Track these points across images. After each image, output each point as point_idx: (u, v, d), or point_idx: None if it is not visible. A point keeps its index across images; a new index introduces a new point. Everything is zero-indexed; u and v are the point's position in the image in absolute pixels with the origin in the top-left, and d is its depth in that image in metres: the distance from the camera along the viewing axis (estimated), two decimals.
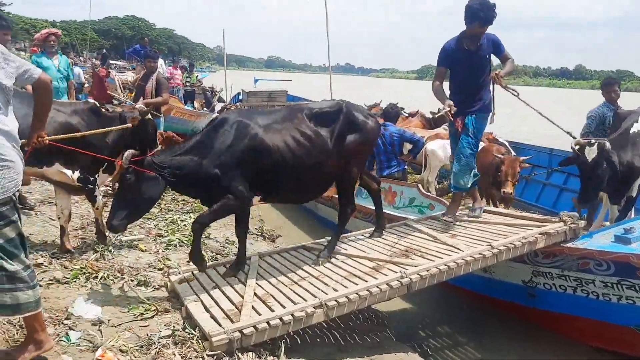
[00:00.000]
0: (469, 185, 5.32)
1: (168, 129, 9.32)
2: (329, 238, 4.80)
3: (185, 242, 5.57)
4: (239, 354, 3.29)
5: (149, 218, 6.29)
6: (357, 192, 7.12)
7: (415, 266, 4.20)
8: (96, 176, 4.78)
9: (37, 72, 2.94)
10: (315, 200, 8.01)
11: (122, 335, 3.42)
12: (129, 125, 4.40)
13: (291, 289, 3.96)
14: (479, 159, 6.94)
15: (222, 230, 6.34)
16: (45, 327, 3.07)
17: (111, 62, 27.38)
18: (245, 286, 4.03)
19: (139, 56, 18.41)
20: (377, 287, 3.91)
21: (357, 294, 3.81)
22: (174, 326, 3.57)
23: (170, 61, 23.81)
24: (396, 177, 6.87)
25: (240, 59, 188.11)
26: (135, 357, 3.19)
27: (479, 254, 4.42)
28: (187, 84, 17.38)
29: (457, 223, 5.34)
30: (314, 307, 3.63)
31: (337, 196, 4.78)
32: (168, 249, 5.31)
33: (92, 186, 4.75)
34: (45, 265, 4.47)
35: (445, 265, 4.24)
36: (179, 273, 4.36)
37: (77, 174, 4.61)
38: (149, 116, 5.09)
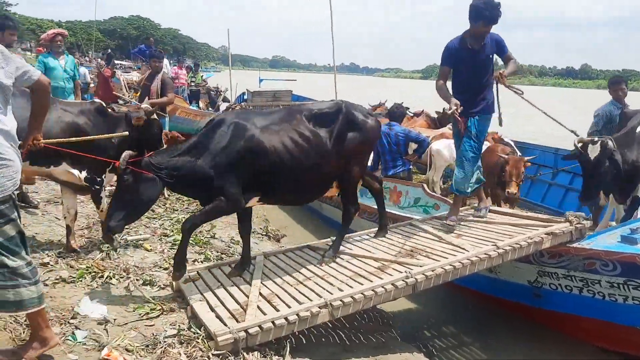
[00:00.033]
0: (469, 191, 5.32)
1: (173, 128, 9.34)
2: (334, 238, 4.80)
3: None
4: (245, 354, 3.29)
5: (154, 218, 6.32)
6: (361, 192, 7.13)
7: (421, 266, 4.20)
8: (103, 176, 4.80)
9: (36, 74, 2.96)
10: (320, 200, 8.03)
11: (128, 334, 3.42)
12: (126, 133, 4.35)
13: (296, 289, 3.97)
14: (484, 159, 6.93)
15: (227, 230, 6.35)
16: (49, 324, 3.08)
17: (116, 62, 27.49)
18: (251, 286, 4.03)
19: (144, 56, 18.45)
20: (382, 287, 3.91)
21: (362, 293, 3.81)
22: (179, 325, 3.57)
23: (175, 61, 23.91)
24: (401, 176, 6.87)
25: (245, 58, 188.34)
26: (141, 356, 3.20)
27: (485, 254, 4.42)
28: (192, 84, 17.40)
29: (462, 223, 5.33)
30: (319, 307, 3.64)
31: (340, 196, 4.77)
32: (173, 248, 5.29)
33: (98, 187, 4.76)
34: (52, 265, 4.48)
35: (450, 265, 4.24)
36: (185, 272, 4.36)
37: (84, 174, 4.63)
38: (155, 116, 5.11)
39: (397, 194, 6.69)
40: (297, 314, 3.54)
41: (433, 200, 6.23)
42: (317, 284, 4.05)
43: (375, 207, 6.74)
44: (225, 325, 3.40)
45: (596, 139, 5.15)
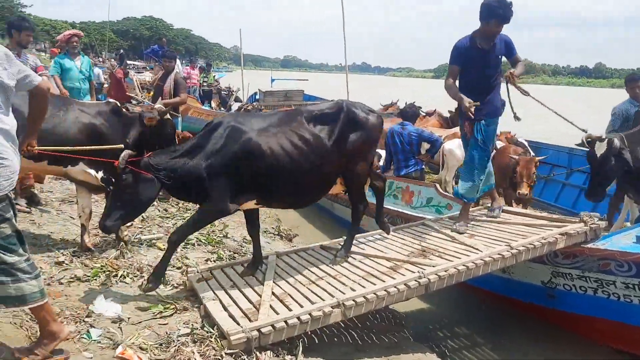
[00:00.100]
0: (475, 198, 5.30)
1: (185, 128, 9.40)
2: (345, 237, 4.79)
3: (203, 240, 5.61)
4: (257, 353, 3.30)
5: (167, 217, 6.36)
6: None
7: (433, 266, 4.18)
8: None
9: (37, 79, 2.99)
10: (331, 199, 8.03)
11: (142, 333, 3.44)
12: (121, 146, 4.35)
13: (309, 289, 3.97)
14: (496, 159, 6.90)
15: (239, 230, 6.37)
16: (56, 317, 3.09)
17: (129, 62, 27.68)
18: (263, 285, 4.04)
19: (157, 56, 18.57)
20: (395, 287, 3.90)
21: (374, 294, 3.81)
22: (192, 324, 3.59)
23: (188, 61, 24.00)
24: (414, 176, 6.85)
25: (257, 58, 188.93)
26: (155, 354, 3.21)
27: (498, 254, 4.39)
28: (205, 84, 17.48)
29: (475, 223, 5.31)
30: (331, 307, 3.63)
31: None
32: (186, 247, 5.34)
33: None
34: (66, 263, 4.53)
35: (463, 265, 4.22)
36: (197, 272, 4.39)
37: (100, 174, 4.67)
38: (168, 116, 5.15)
39: (409, 194, 6.67)
40: (310, 314, 3.54)
41: (445, 200, 6.21)
42: (329, 283, 4.05)
43: (387, 207, 6.75)
44: (238, 324, 3.41)
45: (604, 136, 5.11)
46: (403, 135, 6.78)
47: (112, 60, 26.82)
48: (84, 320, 3.54)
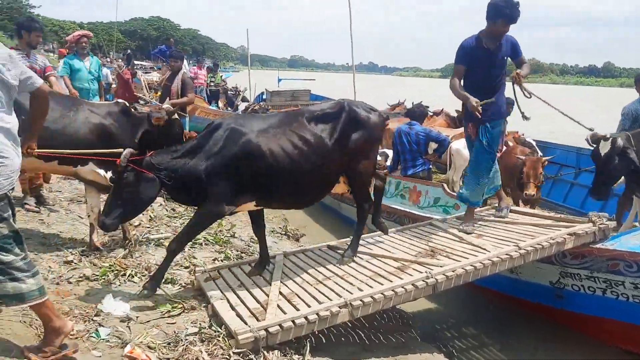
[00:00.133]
0: (481, 202, 5.28)
1: (193, 128, 9.42)
2: (352, 237, 4.78)
3: (211, 240, 5.63)
4: (265, 352, 3.31)
5: (174, 217, 6.38)
6: None
7: (441, 266, 4.18)
8: None
9: (38, 81, 3.01)
10: (338, 199, 8.03)
11: (150, 332, 3.46)
12: (120, 150, 4.30)
13: (316, 288, 3.97)
14: (503, 160, 6.88)
15: (247, 229, 6.38)
16: (58, 312, 3.10)
17: (136, 62, 27.79)
18: (271, 285, 4.05)
19: (164, 56, 18.65)
20: (402, 287, 3.90)
21: (382, 293, 3.81)
22: (200, 324, 3.60)
23: (195, 61, 24.07)
24: (421, 176, 6.84)
25: (264, 58, 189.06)
26: (163, 353, 3.23)
27: (506, 254, 4.38)
28: (212, 84, 17.53)
29: (483, 223, 5.29)
30: (339, 307, 3.64)
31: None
32: (194, 247, 5.36)
33: None
34: (75, 263, 4.56)
35: (471, 265, 4.21)
36: (205, 271, 4.41)
37: (109, 174, 4.70)
38: (176, 116, 5.17)
39: (416, 194, 6.66)
40: (317, 314, 3.54)
41: (453, 200, 6.19)
42: (336, 283, 4.05)
43: (394, 206, 6.76)
44: (246, 323, 3.42)
45: (608, 135, 5.08)
46: (410, 135, 6.77)
47: (120, 60, 26.93)
48: (92, 319, 3.55)
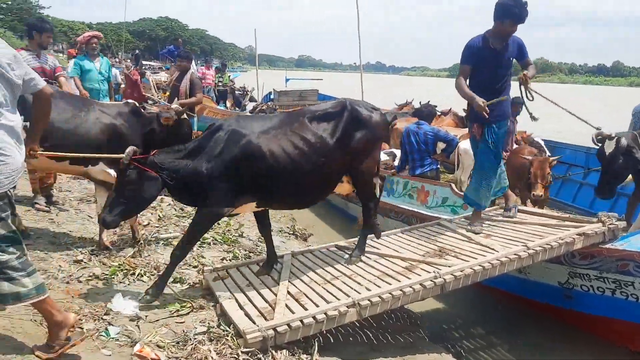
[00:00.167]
0: (487, 205, 5.26)
1: (201, 128, 9.43)
2: (359, 237, 4.78)
3: (219, 240, 5.65)
4: (273, 352, 3.32)
5: (183, 216, 6.40)
6: (388, 191, 7.12)
7: (449, 266, 4.17)
8: None
9: (41, 83, 3.02)
10: (345, 199, 8.03)
11: (159, 331, 3.48)
12: (121, 155, 4.26)
13: (324, 288, 3.98)
14: (510, 160, 6.85)
15: (254, 229, 6.36)
16: (59, 307, 3.10)
17: (144, 62, 27.91)
18: (279, 284, 4.06)
19: (172, 57, 18.72)
20: (411, 287, 3.90)
21: (390, 293, 3.81)
22: (209, 323, 3.62)
23: (203, 61, 24.15)
24: (429, 176, 6.83)
25: (271, 58, 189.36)
26: (172, 352, 3.25)
27: (515, 254, 4.37)
28: (220, 84, 17.58)
29: (492, 223, 5.28)
30: (347, 306, 3.64)
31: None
32: (202, 246, 5.38)
33: None
34: (85, 262, 4.58)
35: (479, 265, 4.20)
36: (213, 271, 4.42)
37: None
38: (185, 116, 5.20)
39: (424, 194, 6.65)
40: (325, 313, 3.55)
41: (461, 200, 6.16)
42: (344, 283, 4.06)
43: (403, 206, 6.75)
44: (254, 323, 3.43)
45: (613, 134, 5.05)
46: (419, 134, 6.76)
47: (128, 60, 27.06)
48: (102, 318, 3.58)
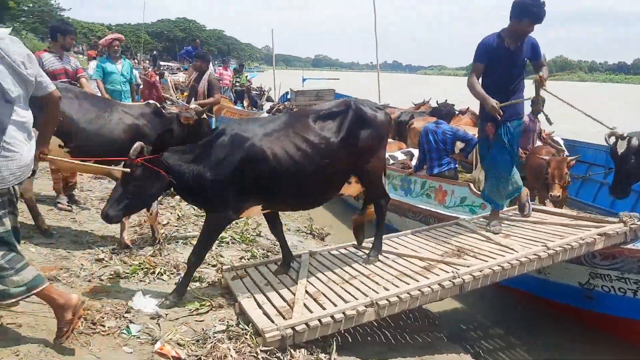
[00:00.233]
0: (504, 205, 5.22)
1: None
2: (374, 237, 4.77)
3: (237, 239, 5.69)
4: (292, 351, 3.34)
5: (202, 215, 6.44)
6: (406, 190, 7.11)
7: (468, 266, 4.16)
8: None
9: (51, 86, 3.06)
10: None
11: (179, 329, 3.51)
12: (127, 170, 4.24)
13: (342, 287, 3.99)
14: (528, 160, 6.79)
15: None
16: (60, 291, 3.13)
17: (162, 63, 28.18)
18: (297, 284, 4.08)
19: (190, 57, 18.86)
20: (429, 286, 3.89)
21: (408, 293, 3.81)
22: (228, 321, 3.65)
23: (220, 62, 24.29)
24: (447, 175, 6.80)
25: (288, 58, 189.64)
26: (192, 350, 3.28)
27: (534, 254, 4.34)
28: (237, 84, 17.66)
29: (511, 223, 5.24)
30: (365, 306, 3.65)
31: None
32: (221, 245, 5.42)
33: None
34: (106, 261, 4.65)
35: (498, 266, 4.18)
36: (232, 270, 4.46)
37: None
38: (204, 116, 5.26)
39: (442, 193, 6.63)
40: (344, 312, 3.56)
41: (480, 200, 6.13)
42: (363, 282, 4.06)
43: (421, 206, 6.73)
44: (273, 322, 3.46)
45: (625, 134, 5.00)
46: (437, 133, 6.74)
47: (146, 62, 27.32)
48: (123, 316, 3.62)
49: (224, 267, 4.57)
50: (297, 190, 4.05)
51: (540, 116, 6.43)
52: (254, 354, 3.26)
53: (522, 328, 5.36)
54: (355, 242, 5.00)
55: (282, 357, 3.28)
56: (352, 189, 4.47)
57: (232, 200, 3.86)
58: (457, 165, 7.13)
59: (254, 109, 16.37)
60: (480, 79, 4.97)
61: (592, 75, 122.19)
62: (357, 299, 3.74)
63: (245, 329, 3.51)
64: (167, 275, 4.49)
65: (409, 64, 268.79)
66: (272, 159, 3.83)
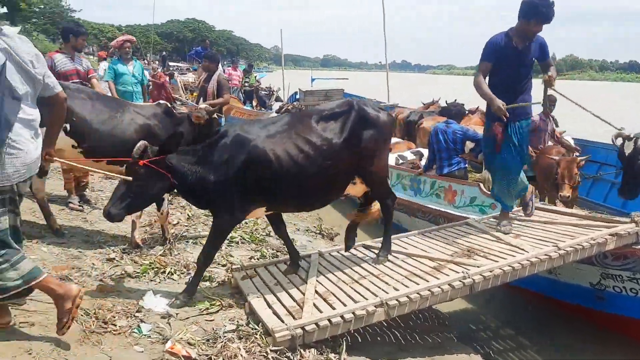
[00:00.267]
0: (514, 206, 5.19)
1: None
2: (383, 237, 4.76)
3: (247, 239, 5.70)
4: (301, 350, 3.34)
5: (212, 215, 6.47)
6: (415, 190, 7.09)
7: (478, 267, 4.15)
8: None
9: (58, 87, 3.09)
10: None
11: (190, 328, 3.53)
12: (129, 178, 4.05)
13: (352, 287, 3.99)
14: (538, 160, 6.75)
15: None
16: (58, 281, 3.14)
17: (172, 63, 28.28)
18: (307, 283, 4.08)
19: (200, 58, 18.94)
20: (439, 287, 3.88)
21: (418, 293, 3.80)
22: (238, 321, 3.66)
23: (229, 62, 24.35)
24: (457, 175, 6.77)
25: (297, 58, 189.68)
26: (203, 350, 3.29)
27: (545, 255, 4.32)
28: (246, 85, 17.70)
29: (521, 223, 5.22)
30: (375, 306, 3.65)
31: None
32: (230, 245, 5.44)
33: None
34: (117, 260, 4.68)
35: (509, 266, 4.16)
36: (242, 269, 4.47)
37: None
38: (215, 116, 5.28)
39: (452, 193, 6.60)
40: (353, 312, 3.56)
41: (489, 200, 6.10)
42: (372, 282, 4.06)
43: (430, 206, 6.72)
44: (283, 322, 3.46)
45: (632, 135, 4.96)
46: (447, 133, 6.72)
47: (156, 62, 27.44)
48: (134, 315, 3.64)
49: (234, 267, 4.58)
50: (299, 192, 4.04)
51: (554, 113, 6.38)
52: (264, 354, 3.27)
53: (533, 328, 5.33)
54: (365, 242, 5.00)
55: (292, 357, 3.29)
56: (357, 189, 4.46)
57: (237, 203, 3.87)
58: (466, 165, 7.09)
59: (263, 109, 16.39)
60: (488, 78, 4.94)
61: (603, 74, 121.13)
62: (366, 299, 3.74)
63: (255, 329, 3.52)
64: (178, 275, 4.51)
65: (417, 64, 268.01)
66: (275, 160, 3.83)
